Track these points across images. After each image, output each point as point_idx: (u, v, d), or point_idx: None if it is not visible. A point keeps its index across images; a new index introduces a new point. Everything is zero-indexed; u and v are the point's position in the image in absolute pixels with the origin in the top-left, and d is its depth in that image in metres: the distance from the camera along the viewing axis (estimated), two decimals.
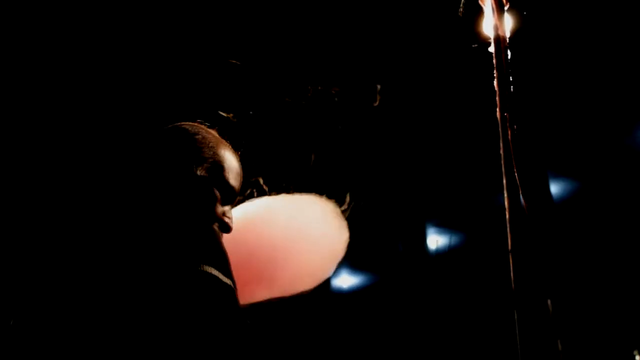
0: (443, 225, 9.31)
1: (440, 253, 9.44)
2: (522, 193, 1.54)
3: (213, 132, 1.69)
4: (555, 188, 7.27)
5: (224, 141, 1.69)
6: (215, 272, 1.46)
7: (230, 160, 1.65)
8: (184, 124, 1.66)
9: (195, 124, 1.68)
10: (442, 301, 8.77)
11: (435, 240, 9.54)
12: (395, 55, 5.58)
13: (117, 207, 1.56)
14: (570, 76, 5.96)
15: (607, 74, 5.96)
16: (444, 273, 9.28)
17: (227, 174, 1.61)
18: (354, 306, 10.04)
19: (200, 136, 1.62)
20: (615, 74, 5.98)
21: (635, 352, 6.33)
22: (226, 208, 1.63)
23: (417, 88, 6.06)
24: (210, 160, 1.59)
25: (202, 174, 1.56)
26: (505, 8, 1.86)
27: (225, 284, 1.48)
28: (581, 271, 6.40)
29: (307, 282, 1.98)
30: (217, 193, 1.59)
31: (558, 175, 7.31)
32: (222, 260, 1.52)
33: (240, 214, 1.81)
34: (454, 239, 9.56)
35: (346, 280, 10.54)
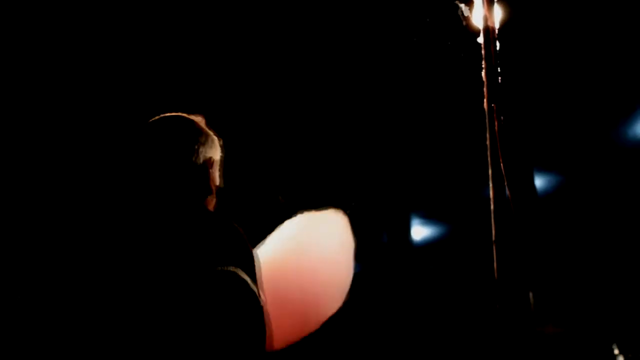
0: (428, 217, 9.34)
1: (424, 244, 9.48)
2: (507, 184, 1.54)
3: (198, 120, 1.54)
4: (539, 182, 7.30)
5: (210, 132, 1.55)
6: (243, 275, 1.32)
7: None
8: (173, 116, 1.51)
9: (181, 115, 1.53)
10: (425, 292, 8.81)
11: (420, 231, 9.57)
12: (379, 45, 5.57)
13: (127, 202, 1.41)
14: (557, 70, 5.97)
15: (595, 69, 5.98)
16: (428, 264, 9.32)
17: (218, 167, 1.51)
18: None
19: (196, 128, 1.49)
20: (603, 68, 6.00)
21: (614, 346, 6.39)
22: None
23: (403, 79, 6.05)
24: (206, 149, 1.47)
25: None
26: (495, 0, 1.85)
27: (252, 290, 1.32)
28: (563, 265, 6.45)
29: (333, 304, 1.95)
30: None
31: (542, 169, 7.34)
32: (250, 263, 1.37)
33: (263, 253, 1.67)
34: (438, 230, 9.60)
35: None
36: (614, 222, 7.08)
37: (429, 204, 8.99)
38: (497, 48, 1.75)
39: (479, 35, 1.78)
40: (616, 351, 6.30)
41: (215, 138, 1.49)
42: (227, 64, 5.61)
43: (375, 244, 9.56)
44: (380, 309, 9.00)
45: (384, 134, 7.09)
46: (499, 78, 1.70)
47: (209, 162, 1.44)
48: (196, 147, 1.41)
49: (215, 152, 1.46)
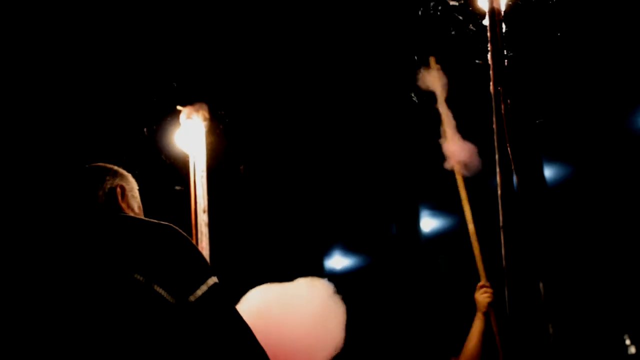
0: (437, 208, 9.30)
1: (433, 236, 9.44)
2: (514, 168, 1.51)
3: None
4: (549, 172, 7.24)
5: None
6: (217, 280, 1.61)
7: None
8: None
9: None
10: (435, 284, 8.78)
11: (429, 222, 9.53)
12: (382, 29, 5.52)
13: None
14: (567, 59, 5.91)
15: (606, 57, 5.91)
16: (437, 256, 9.28)
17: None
18: (347, 288, 10.04)
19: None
20: (612, 57, 5.94)
21: (626, 336, 6.35)
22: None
23: (407, 66, 6.01)
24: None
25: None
26: None
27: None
28: (573, 255, 6.41)
29: None
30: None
31: (552, 160, 7.29)
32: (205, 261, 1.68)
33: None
34: (448, 222, 9.56)
35: (339, 262, 10.54)
36: (623, 212, 7.03)
37: (438, 195, 8.94)
38: (504, 30, 1.71)
39: (484, 18, 1.75)
40: (628, 341, 6.27)
41: (126, 173, 1.92)
42: (226, 64, 5.60)
43: (384, 236, 9.54)
44: (389, 301, 8.99)
45: (392, 125, 7.05)
46: (505, 61, 1.66)
47: (117, 189, 1.82)
48: (106, 178, 1.82)
49: (124, 182, 1.86)
